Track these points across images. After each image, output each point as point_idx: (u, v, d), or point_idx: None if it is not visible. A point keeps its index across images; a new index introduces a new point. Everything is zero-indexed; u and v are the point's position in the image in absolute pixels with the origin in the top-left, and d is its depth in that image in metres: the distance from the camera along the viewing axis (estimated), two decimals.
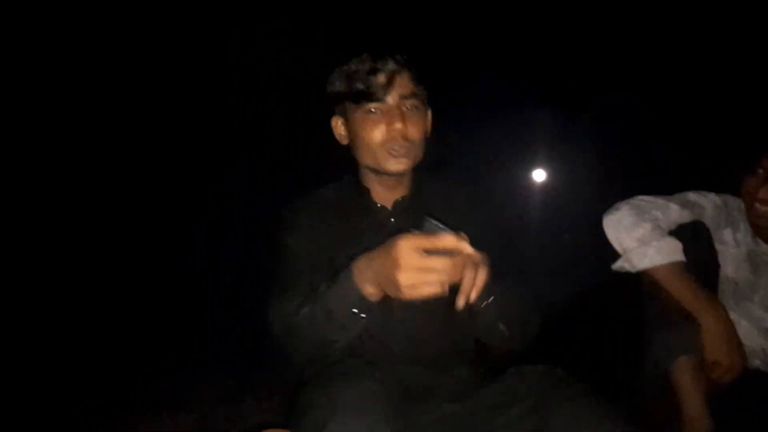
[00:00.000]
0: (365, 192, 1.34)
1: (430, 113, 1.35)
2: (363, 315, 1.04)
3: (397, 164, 1.24)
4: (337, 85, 1.28)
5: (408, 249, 0.91)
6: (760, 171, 1.43)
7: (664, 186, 1.60)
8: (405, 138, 1.23)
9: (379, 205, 1.34)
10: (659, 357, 1.42)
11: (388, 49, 1.27)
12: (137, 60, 4.31)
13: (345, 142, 1.34)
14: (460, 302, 0.99)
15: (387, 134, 1.23)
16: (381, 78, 1.21)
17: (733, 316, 1.53)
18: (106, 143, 4.40)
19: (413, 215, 1.31)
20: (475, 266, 0.99)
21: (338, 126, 1.34)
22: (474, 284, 0.99)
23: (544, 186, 4.84)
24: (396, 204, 1.34)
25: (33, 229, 4.04)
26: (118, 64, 4.29)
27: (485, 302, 1.12)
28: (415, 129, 1.24)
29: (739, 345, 1.34)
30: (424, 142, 1.29)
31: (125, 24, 4.18)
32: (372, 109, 1.23)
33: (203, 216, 4.37)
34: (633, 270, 1.46)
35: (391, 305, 1.20)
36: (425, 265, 0.91)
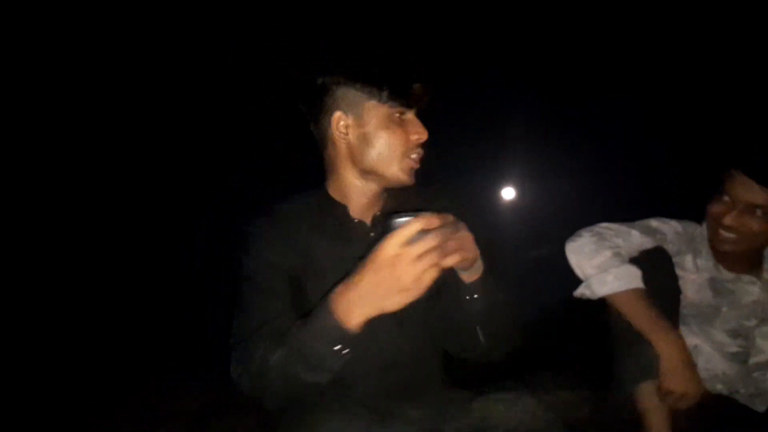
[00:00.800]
0: (341, 207, 1.26)
1: None
2: (346, 350, 0.97)
3: (411, 177, 1.22)
4: (349, 75, 1.20)
5: (397, 247, 0.87)
6: (726, 198, 1.47)
7: (636, 201, 1.64)
8: (422, 146, 1.22)
9: (356, 220, 1.26)
10: (624, 381, 1.45)
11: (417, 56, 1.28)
12: (136, 60, 4.27)
13: (346, 139, 1.22)
14: (449, 261, 0.95)
15: (410, 143, 1.20)
16: (419, 86, 1.20)
17: (695, 340, 1.58)
18: (106, 143, 4.35)
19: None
20: (455, 227, 0.99)
21: (340, 122, 1.21)
22: (462, 243, 1.00)
23: (522, 199, 4.88)
24: (375, 219, 1.27)
25: (19, 227, 3.96)
26: (117, 64, 4.24)
27: (473, 295, 1.12)
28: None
29: (694, 373, 1.35)
30: None
31: (125, 24, 4.14)
32: (398, 113, 1.20)
33: (197, 225, 4.32)
34: (593, 297, 1.48)
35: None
36: (419, 252, 0.87)
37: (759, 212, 1.42)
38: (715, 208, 1.50)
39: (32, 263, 3.92)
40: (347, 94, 1.19)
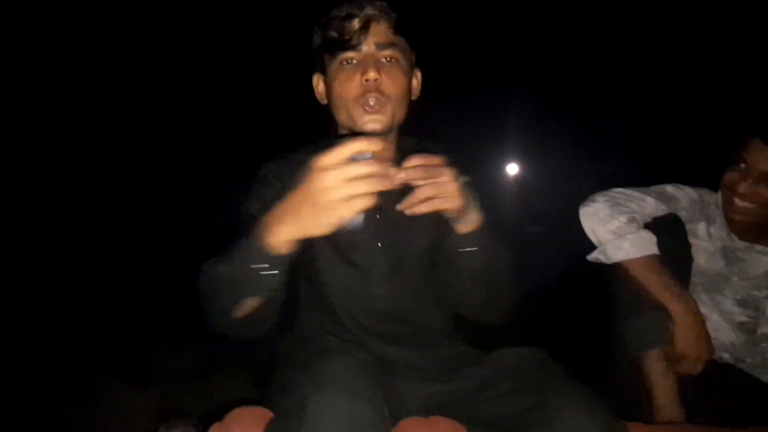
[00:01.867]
0: None
1: (419, 74, 1.25)
2: (274, 271, 0.91)
3: (373, 122, 1.13)
4: (314, 38, 1.20)
5: (323, 165, 0.81)
6: (742, 165, 1.44)
7: (642, 179, 1.61)
8: (380, 91, 1.12)
9: None
10: (630, 347, 1.44)
11: None
12: (136, 59, 4.19)
13: (324, 101, 1.23)
14: (422, 207, 0.94)
15: (360, 86, 1.12)
16: (355, 23, 1.12)
17: (704, 309, 1.55)
18: (104, 142, 4.30)
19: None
20: (435, 171, 0.94)
21: (318, 84, 1.24)
22: (442, 190, 0.95)
23: (520, 177, 4.87)
24: None
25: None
26: (117, 63, 4.18)
27: (466, 248, 1.07)
28: (393, 82, 1.13)
29: (708, 338, 1.36)
30: (406, 101, 1.18)
31: (124, 23, 4.06)
32: (347, 59, 1.14)
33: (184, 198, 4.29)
34: (608, 262, 1.46)
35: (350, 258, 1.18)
36: (351, 174, 0.80)
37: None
38: (730, 176, 1.47)
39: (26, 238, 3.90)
40: (318, 54, 1.20)
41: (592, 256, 1.49)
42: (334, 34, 1.14)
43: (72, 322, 3.22)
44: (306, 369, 0.95)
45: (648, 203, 1.49)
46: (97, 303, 3.46)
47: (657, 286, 1.38)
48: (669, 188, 1.56)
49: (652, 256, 1.41)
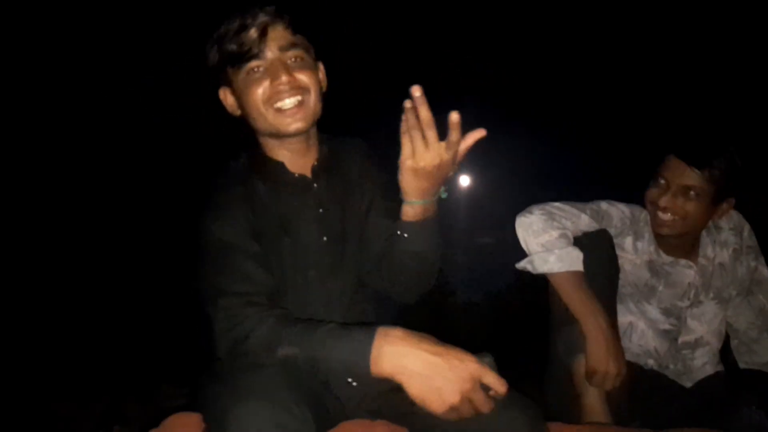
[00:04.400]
0: (278, 164, 1.22)
1: (322, 67, 1.24)
2: (354, 384, 0.95)
3: (294, 122, 1.14)
4: (212, 54, 1.17)
5: (476, 380, 0.89)
6: (662, 181, 1.53)
7: (578, 190, 1.69)
8: (296, 89, 1.13)
9: (297, 174, 1.23)
10: (562, 354, 1.48)
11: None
12: (135, 58, 4.11)
13: (237, 113, 1.21)
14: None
15: (272, 90, 1.12)
16: (252, 33, 1.11)
17: (631, 317, 1.63)
18: (104, 141, 4.19)
19: (336, 174, 1.27)
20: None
21: (227, 97, 1.22)
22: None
23: (472, 187, 4.95)
24: (314, 169, 1.25)
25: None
26: (116, 62, 4.08)
27: (406, 233, 1.13)
28: (306, 78, 1.14)
29: (618, 355, 1.38)
30: (319, 96, 1.19)
31: (124, 22, 3.98)
32: (253, 69, 1.13)
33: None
34: (534, 272, 1.51)
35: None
36: (478, 398, 0.89)
37: (692, 194, 1.49)
38: (652, 192, 1.56)
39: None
40: (217, 70, 1.19)
41: (520, 265, 1.53)
42: (233, 47, 1.12)
43: (25, 333, 3.14)
44: (229, 379, 0.94)
45: (582, 220, 1.55)
46: (48, 314, 3.38)
47: (574, 301, 1.43)
48: (603, 205, 1.62)
49: (574, 273, 1.45)
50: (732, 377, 1.69)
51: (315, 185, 1.24)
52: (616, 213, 1.61)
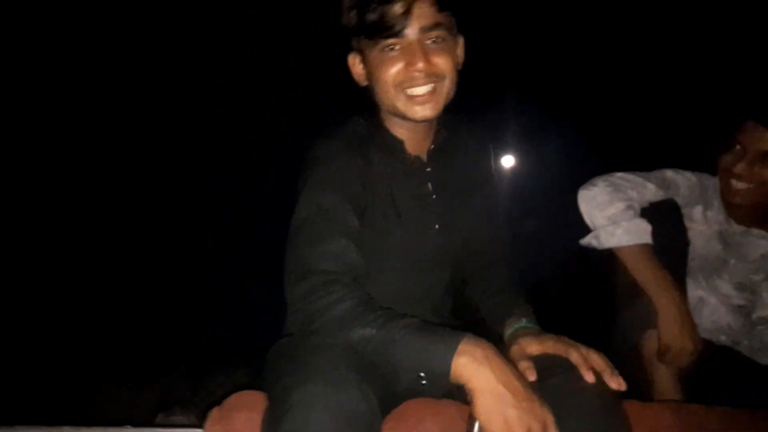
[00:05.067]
0: (397, 143, 1.17)
1: (461, 42, 1.14)
2: (424, 382, 0.90)
3: (423, 110, 1.07)
4: (348, 15, 1.07)
5: (546, 426, 0.84)
6: (738, 147, 1.44)
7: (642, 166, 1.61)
8: (429, 75, 1.05)
9: (413, 155, 1.18)
10: (628, 330, 1.42)
11: None
12: (135, 58, 4.18)
13: (364, 83, 1.14)
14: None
15: (406, 74, 1.05)
16: (397, 7, 1.01)
17: (702, 292, 1.55)
18: (104, 141, 4.29)
19: (450, 161, 1.22)
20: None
21: (355, 65, 1.14)
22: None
23: (517, 170, 4.85)
24: (430, 153, 1.20)
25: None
26: (116, 62, 4.16)
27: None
28: (443, 64, 1.06)
29: (692, 330, 1.33)
30: (454, 80, 1.10)
31: (124, 22, 4.05)
32: (389, 46, 1.04)
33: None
34: (600, 247, 1.45)
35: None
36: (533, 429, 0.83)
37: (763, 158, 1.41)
38: (726, 159, 1.47)
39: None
40: (355, 36, 1.11)
41: (585, 241, 1.48)
42: (373, 17, 1.02)
43: (74, 323, 3.23)
44: (296, 360, 0.91)
45: (648, 190, 1.48)
46: (98, 304, 3.47)
47: (644, 275, 1.37)
48: (669, 173, 1.55)
49: (643, 246, 1.39)
50: None
51: (429, 169, 1.20)
52: (683, 181, 1.53)
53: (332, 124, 1.18)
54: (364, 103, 1.18)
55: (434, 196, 1.19)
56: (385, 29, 1.02)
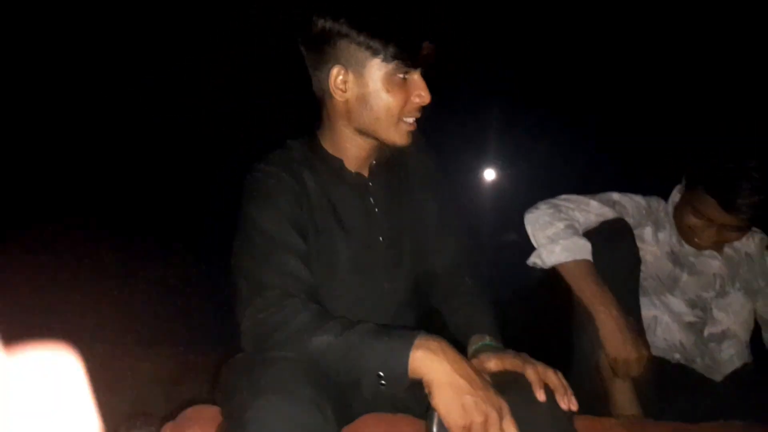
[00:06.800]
0: (337, 161, 1.17)
1: None
2: (383, 383, 0.91)
3: (409, 138, 1.11)
4: (371, 25, 1.04)
5: (501, 415, 0.87)
6: (703, 216, 1.49)
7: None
8: (420, 111, 1.11)
9: (353, 172, 1.19)
10: (587, 349, 1.44)
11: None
12: (135, 58, 4.16)
13: (344, 97, 1.10)
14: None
15: (412, 105, 1.08)
16: (427, 48, 1.06)
17: (654, 311, 1.57)
18: (104, 141, 4.26)
19: (391, 174, 1.24)
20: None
21: (338, 78, 1.08)
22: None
23: (492, 182, 4.90)
24: (372, 168, 1.22)
25: None
26: (116, 62, 4.14)
27: None
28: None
29: (635, 340, 1.33)
30: None
31: (124, 22, 4.04)
32: (402, 73, 1.06)
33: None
34: (543, 266, 1.48)
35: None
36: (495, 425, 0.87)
37: (735, 228, 1.48)
38: (692, 222, 1.52)
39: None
40: (350, 47, 1.05)
41: (530, 260, 1.50)
42: (406, 47, 1.04)
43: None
44: (249, 374, 0.90)
45: (592, 207, 1.50)
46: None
47: (583, 291, 1.39)
48: (615, 195, 1.57)
49: (581, 262, 1.41)
50: (762, 370, 1.63)
51: (371, 184, 1.21)
52: (629, 203, 1.57)
53: (267, 150, 1.19)
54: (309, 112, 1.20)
55: (377, 210, 1.20)
56: (409, 61, 1.05)
